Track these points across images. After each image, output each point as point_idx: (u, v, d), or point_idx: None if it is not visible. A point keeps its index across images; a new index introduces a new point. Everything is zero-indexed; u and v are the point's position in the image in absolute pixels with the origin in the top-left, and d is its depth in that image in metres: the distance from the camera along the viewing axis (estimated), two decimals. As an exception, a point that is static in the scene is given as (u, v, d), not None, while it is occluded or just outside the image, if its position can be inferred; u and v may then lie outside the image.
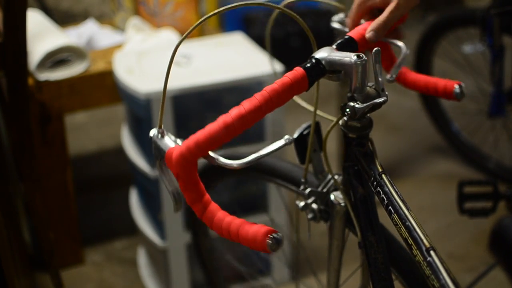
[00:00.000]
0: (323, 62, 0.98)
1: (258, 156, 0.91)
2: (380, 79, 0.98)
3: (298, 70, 0.95)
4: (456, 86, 1.09)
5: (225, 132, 0.87)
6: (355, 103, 0.98)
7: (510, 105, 2.42)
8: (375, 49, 0.97)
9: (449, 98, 1.10)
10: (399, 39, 1.13)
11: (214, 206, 0.90)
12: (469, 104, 2.67)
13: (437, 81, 1.12)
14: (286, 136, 0.95)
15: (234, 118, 0.87)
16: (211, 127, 0.87)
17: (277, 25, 3.58)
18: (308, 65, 0.98)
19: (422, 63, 2.74)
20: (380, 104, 0.99)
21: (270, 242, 0.82)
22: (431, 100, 2.79)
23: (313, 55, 0.99)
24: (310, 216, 1.22)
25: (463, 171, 2.72)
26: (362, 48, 1.05)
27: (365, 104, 0.98)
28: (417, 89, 1.16)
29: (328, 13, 3.66)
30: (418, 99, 2.90)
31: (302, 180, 1.22)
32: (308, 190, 1.21)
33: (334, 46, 1.01)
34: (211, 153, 0.90)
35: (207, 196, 0.91)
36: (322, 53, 0.99)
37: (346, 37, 1.03)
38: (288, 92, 0.92)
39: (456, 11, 3.14)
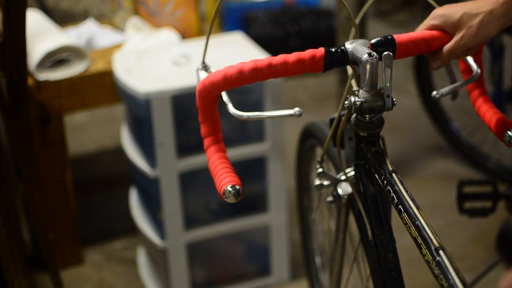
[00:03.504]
0: (348, 51, 0.99)
1: (260, 115, 1.00)
2: (388, 85, 0.98)
3: (319, 50, 0.99)
4: (509, 132, 1.02)
5: (238, 77, 0.97)
6: (355, 98, 0.99)
7: (510, 105, 2.42)
8: (385, 53, 0.96)
9: (499, 138, 1.05)
10: (477, 60, 1.09)
11: (216, 147, 1.03)
12: (469, 103, 2.67)
13: (495, 116, 1.07)
14: (297, 108, 0.99)
15: (249, 68, 0.97)
16: (228, 70, 0.98)
17: (277, 25, 3.58)
18: (333, 49, 1.00)
19: (422, 63, 2.74)
20: (379, 108, 0.99)
21: (227, 190, 0.94)
22: (430, 100, 2.79)
23: (346, 42, 1.01)
24: (329, 199, 1.27)
25: (462, 171, 2.72)
26: (404, 52, 1.03)
27: (361, 100, 0.98)
28: (479, 114, 1.12)
29: (328, 13, 3.66)
30: (418, 99, 2.90)
31: (318, 159, 1.24)
32: (319, 170, 1.24)
33: (370, 41, 1.01)
34: (224, 98, 1.02)
35: (220, 136, 1.04)
36: (352, 44, 1.00)
37: (389, 36, 1.02)
38: (300, 65, 0.98)
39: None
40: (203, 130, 1.04)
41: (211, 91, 0.99)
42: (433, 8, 1.08)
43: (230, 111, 1.01)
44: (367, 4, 1.09)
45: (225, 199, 0.95)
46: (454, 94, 1.06)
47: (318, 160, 1.25)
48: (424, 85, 2.76)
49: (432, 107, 2.80)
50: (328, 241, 1.78)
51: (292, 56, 0.98)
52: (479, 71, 1.06)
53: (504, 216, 2.14)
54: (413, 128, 3.08)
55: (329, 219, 1.67)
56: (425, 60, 2.74)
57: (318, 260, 1.89)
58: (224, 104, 1.02)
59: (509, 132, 1.02)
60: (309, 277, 1.94)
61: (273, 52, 2.04)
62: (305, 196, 1.85)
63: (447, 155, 2.83)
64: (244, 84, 0.98)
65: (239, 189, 0.94)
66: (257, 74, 0.97)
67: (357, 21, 1.05)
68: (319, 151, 1.66)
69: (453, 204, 2.09)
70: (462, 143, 2.76)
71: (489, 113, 1.09)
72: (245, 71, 0.97)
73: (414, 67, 2.77)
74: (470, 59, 1.08)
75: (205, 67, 1.09)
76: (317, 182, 1.26)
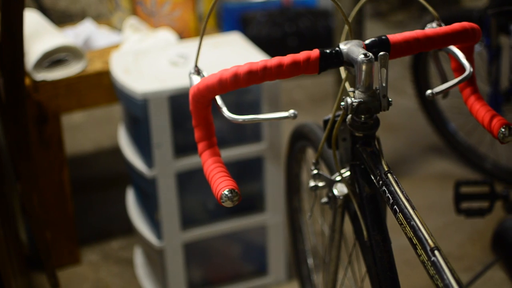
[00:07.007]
0: (343, 52, 0.99)
1: (255, 119, 1.00)
2: (384, 85, 0.98)
3: (314, 52, 0.99)
4: (503, 129, 1.02)
5: (233, 80, 0.96)
6: (351, 99, 0.99)
7: (507, 105, 2.42)
8: (381, 53, 0.96)
9: (493, 136, 1.04)
10: (469, 59, 1.09)
11: (211, 152, 1.02)
12: (466, 104, 2.67)
13: (488, 114, 1.07)
14: (292, 111, 0.99)
15: (244, 71, 0.96)
16: (223, 73, 0.96)
17: (274, 25, 3.58)
18: (327, 51, 0.99)
19: (419, 63, 2.74)
20: (375, 108, 0.99)
21: (224, 194, 0.93)
22: (428, 100, 2.79)
23: (340, 43, 1.01)
24: (324, 200, 1.26)
25: (460, 171, 2.72)
26: (398, 52, 1.02)
27: (358, 101, 0.98)
28: (471, 113, 1.11)
29: (326, 13, 3.66)
30: (415, 99, 2.90)
31: (313, 161, 1.24)
32: (314, 172, 1.24)
33: (364, 42, 1.01)
34: (219, 101, 1.02)
35: (214, 140, 1.03)
36: (346, 44, 1.00)
37: (383, 37, 1.02)
38: (295, 67, 0.98)
39: (453, 11, 3.15)
40: (197, 134, 1.04)
41: (206, 94, 0.99)
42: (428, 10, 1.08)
43: (225, 115, 1.00)
44: (359, 4, 1.09)
45: (223, 204, 0.94)
46: (445, 93, 1.06)
47: (313, 162, 1.25)
48: (421, 85, 2.76)
49: (429, 108, 2.80)
50: (321, 242, 1.78)
51: (287, 58, 0.97)
52: (471, 69, 1.06)
53: (501, 216, 2.14)
54: (410, 129, 3.08)
55: (321, 221, 1.67)
56: (422, 60, 2.75)
57: (310, 261, 1.89)
58: (218, 108, 1.01)
59: (502, 129, 1.03)
60: (300, 278, 1.94)
61: (271, 52, 2.04)
62: (294, 198, 1.85)
63: (444, 155, 2.84)
64: (239, 88, 0.97)
65: (236, 192, 0.94)
66: (252, 77, 0.96)
67: (350, 20, 1.04)
68: (310, 153, 1.66)
69: (450, 205, 2.09)
70: (459, 143, 2.77)
71: (481, 111, 1.09)
72: (240, 74, 0.96)
73: (411, 67, 2.77)
74: (462, 58, 1.07)
75: (198, 71, 1.08)
76: (312, 183, 1.25)
